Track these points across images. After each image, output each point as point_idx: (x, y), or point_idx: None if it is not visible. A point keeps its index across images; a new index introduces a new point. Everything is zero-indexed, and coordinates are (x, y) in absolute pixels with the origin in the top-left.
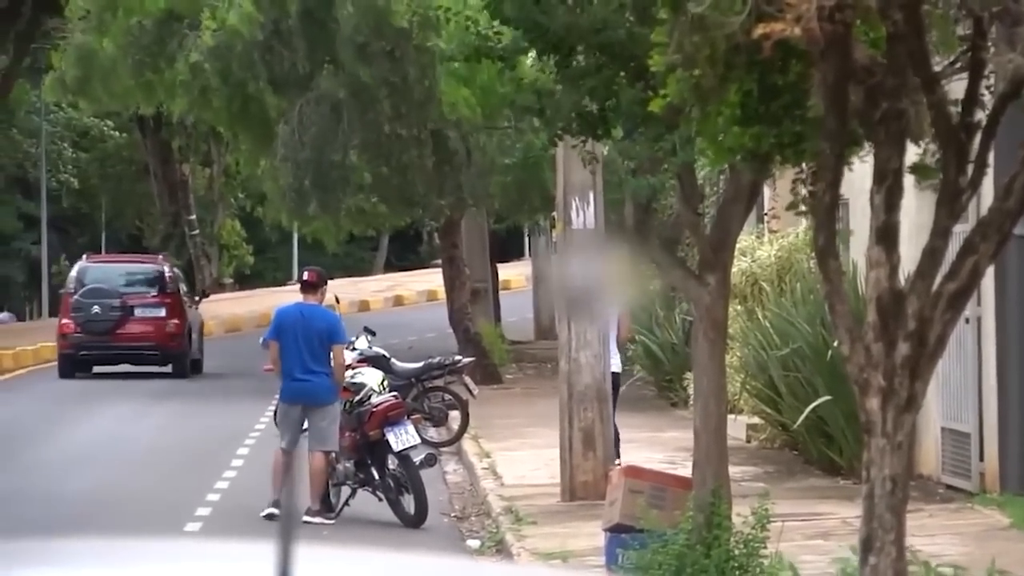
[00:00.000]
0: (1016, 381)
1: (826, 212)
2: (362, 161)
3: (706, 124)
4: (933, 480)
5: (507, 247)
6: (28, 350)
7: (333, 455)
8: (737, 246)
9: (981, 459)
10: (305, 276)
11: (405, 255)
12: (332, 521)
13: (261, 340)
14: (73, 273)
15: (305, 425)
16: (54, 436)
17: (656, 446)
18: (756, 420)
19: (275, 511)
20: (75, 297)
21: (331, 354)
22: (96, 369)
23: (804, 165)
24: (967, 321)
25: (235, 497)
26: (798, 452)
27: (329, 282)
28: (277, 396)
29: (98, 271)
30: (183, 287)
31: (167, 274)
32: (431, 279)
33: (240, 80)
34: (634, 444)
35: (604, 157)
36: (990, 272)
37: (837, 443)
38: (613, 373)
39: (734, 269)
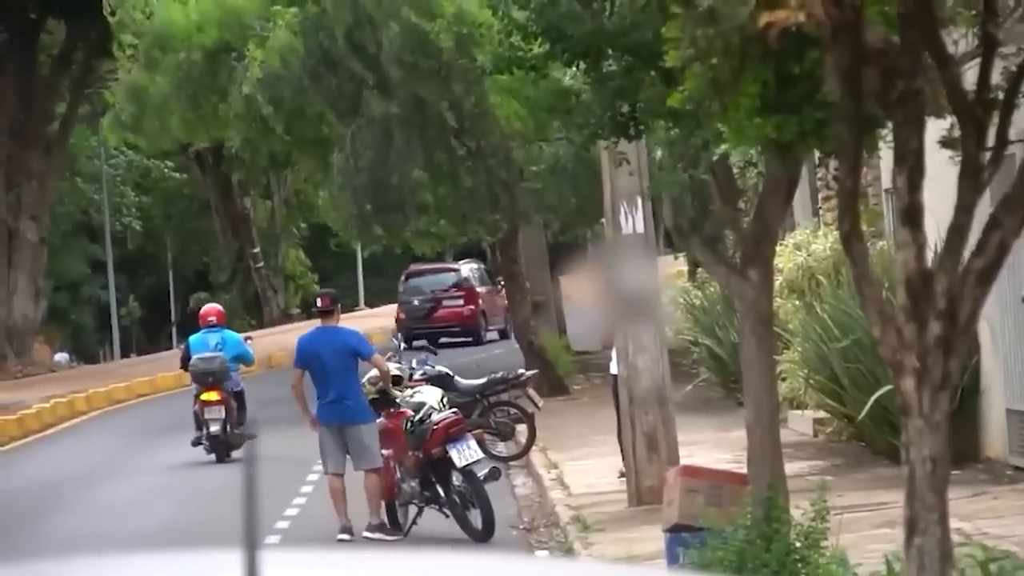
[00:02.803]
0: None
1: (848, 196)
2: (425, 181)
3: (727, 116)
4: (1000, 463)
5: (572, 259)
6: (100, 392)
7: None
8: (792, 240)
9: None
10: (319, 303)
11: None
12: (396, 538)
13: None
14: (402, 279)
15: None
16: (129, 474)
17: (723, 446)
18: (822, 414)
19: (347, 536)
20: (402, 296)
21: (366, 368)
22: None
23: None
24: (1023, 301)
25: (305, 524)
26: (865, 444)
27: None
28: None
29: (417, 279)
30: (480, 282)
31: (463, 275)
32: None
33: (295, 107)
34: (701, 446)
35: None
36: None
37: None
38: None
39: (790, 264)
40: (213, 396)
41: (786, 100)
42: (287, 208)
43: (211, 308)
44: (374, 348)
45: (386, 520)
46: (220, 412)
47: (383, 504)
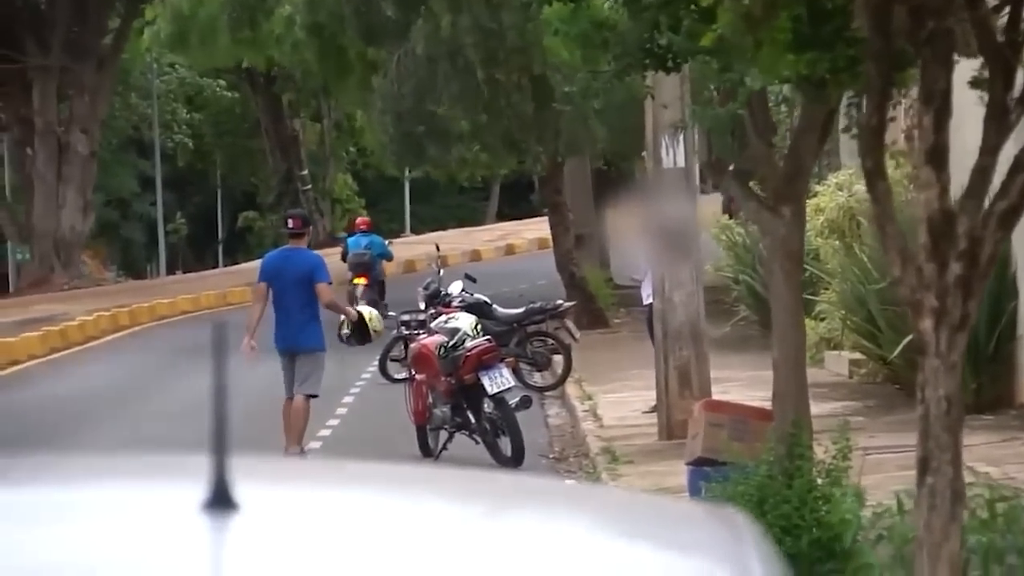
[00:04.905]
0: None
1: (873, 134)
2: (458, 110)
3: (759, 52)
4: None
5: (619, 191)
6: (143, 307)
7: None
8: (835, 180)
9: None
10: (289, 223)
11: (517, 204)
12: None
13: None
14: None
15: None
16: (170, 389)
17: (757, 384)
18: (858, 355)
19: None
20: None
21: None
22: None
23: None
24: None
25: (337, 441)
26: (899, 386)
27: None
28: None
29: None
30: None
31: None
32: (543, 227)
33: (331, 33)
34: (736, 383)
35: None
36: None
37: None
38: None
39: (832, 204)
40: (362, 280)
41: (818, 36)
42: (337, 132)
43: (363, 219)
44: (328, 277)
45: (304, 448)
46: (367, 292)
47: (304, 433)
